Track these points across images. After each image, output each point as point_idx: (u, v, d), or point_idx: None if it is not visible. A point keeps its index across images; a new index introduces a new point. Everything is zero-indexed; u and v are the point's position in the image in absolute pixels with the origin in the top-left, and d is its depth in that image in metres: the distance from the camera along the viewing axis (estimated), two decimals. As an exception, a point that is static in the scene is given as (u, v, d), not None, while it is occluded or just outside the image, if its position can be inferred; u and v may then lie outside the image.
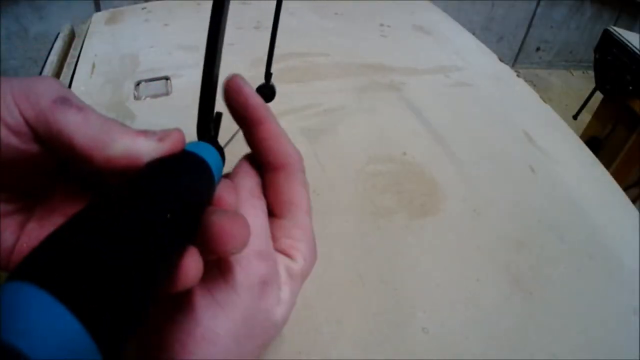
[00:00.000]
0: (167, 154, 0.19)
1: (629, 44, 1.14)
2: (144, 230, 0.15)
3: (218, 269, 0.20)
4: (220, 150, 0.24)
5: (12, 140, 0.18)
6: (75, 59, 0.65)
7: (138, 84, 0.58)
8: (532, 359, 0.35)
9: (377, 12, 0.86)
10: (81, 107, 0.18)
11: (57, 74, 0.64)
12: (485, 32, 2.32)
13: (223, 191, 0.21)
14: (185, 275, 0.17)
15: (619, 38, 1.17)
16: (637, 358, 0.36)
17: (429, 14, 0.88)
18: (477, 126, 0.58)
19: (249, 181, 0.23)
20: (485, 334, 0.36)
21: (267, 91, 0.38)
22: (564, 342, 0.37)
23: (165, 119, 0.53)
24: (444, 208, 0.46)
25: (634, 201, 0.63)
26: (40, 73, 0.63)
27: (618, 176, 0.93)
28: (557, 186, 0.51)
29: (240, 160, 0.25)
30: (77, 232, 0.14)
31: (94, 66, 0.62)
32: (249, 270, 0.20)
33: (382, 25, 0.80)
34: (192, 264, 0.17)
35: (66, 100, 0.18)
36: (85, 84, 0.58)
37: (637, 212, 0.50)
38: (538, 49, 2.53)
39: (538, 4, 2.32)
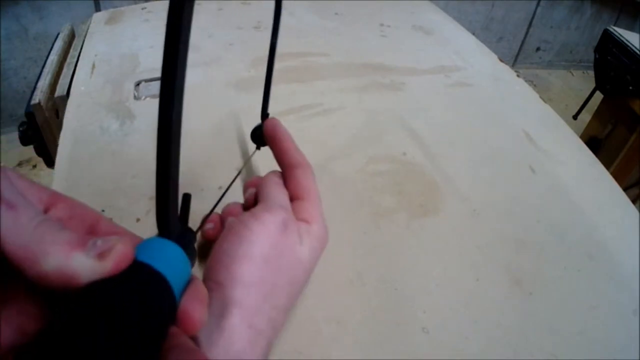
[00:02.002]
0: (109, 275, 0.16)
1: (629, 44, 1.14)
2: None
3: (250, 211, 0.27)
4: (190, 240, 0.21)
5: None
6: (75, 59, 0.65)
7: (138, 84, 0.58)
8: (532, 359, 0.35)
9: (377, 12, 0.86)
10: (12, 204, 0.16)
11: (57, 74, 0.64)
12: (485, 32, 2.32)
13: (189, 304, 0.19)
14: None
15: (619, 38, 1.17)
16: (637, 358, 0.36)
17: (429, 14, 0.88)
18: (477, 126, 0.58)
19: (278, 178, 0.32)
20: (485, 334, 0.36)
21: (261, 133, 0.36)
22: (564, 342, 0.37)
23: (165, 119, 0.53)
24: (444, 208, 0.46)
25: (634, 201, 0.63)
26: (40, 73, 0.63)
27: (618, 176, 0.93)
28: (557, 186, 0.51)
29: (271, 173, 0.33)
30: None
31: (94, 66, 0.62)
32: (273, 212, 0.27)
33: (382, 25, 0.80)
34: None
35: None
36: (85, 84, 0.58)
37: (637, 212, 0.50)
38: (538, 49, 2.53)
39: (538, 4, 2.31)
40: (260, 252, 0.24)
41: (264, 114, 0.37)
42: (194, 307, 0.19)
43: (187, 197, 0.22)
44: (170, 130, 0.17)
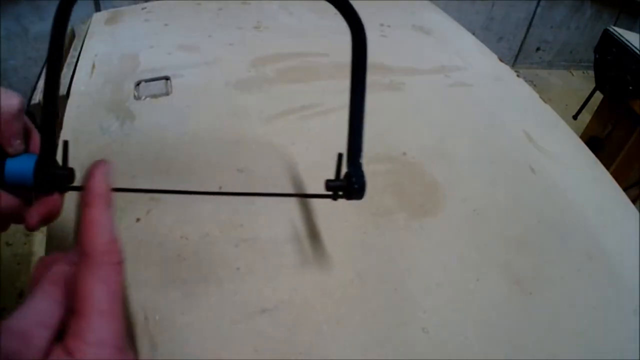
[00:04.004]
0: None
1: (629, 44, 1.14)
2: None
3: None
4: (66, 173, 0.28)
5: None
6: (75, 59, 0.65)
7: (138, 84, 0.58)
8: (532, 359, 0.35)
9: (377, 12, 0.85)
10: None
11: (57, 74, 0.64)
12: (485, 32, 2.32)
13: (33, 207, 0.27)
14: None
15: (619, 38, 1.17)
16: (637, 358, 0.36)
17: (429, 14, 0.88)
18: (477, 126, 0.58)
19: (63, 266, 0.23)
20: (485, 334, 0.36)
21: (347, 183, 0.30)
22: (564, 342, 0.37)
23: (166, 119, 0.53)
24: (444, 208, 0.46)
25: (634, 201, 0.63)
26: (40, 73, 0.63)
27: (618, 176, 0.93)
28: (557, 186, 0.51)
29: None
30: None
31: (94, 66, 0.62)
32: None
33: (382, 25, 0.80)
34: None
35: None
36: (85, 84, 0.58)
37: (637, 212, 0.50)
38: (538, 49, 2.53)
39: (538, 4, 2.31)
40: None
41: (353, 161, 0.29)
42: (31, 210, 0.27)
43: (66, 143, 0.29)
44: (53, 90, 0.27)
